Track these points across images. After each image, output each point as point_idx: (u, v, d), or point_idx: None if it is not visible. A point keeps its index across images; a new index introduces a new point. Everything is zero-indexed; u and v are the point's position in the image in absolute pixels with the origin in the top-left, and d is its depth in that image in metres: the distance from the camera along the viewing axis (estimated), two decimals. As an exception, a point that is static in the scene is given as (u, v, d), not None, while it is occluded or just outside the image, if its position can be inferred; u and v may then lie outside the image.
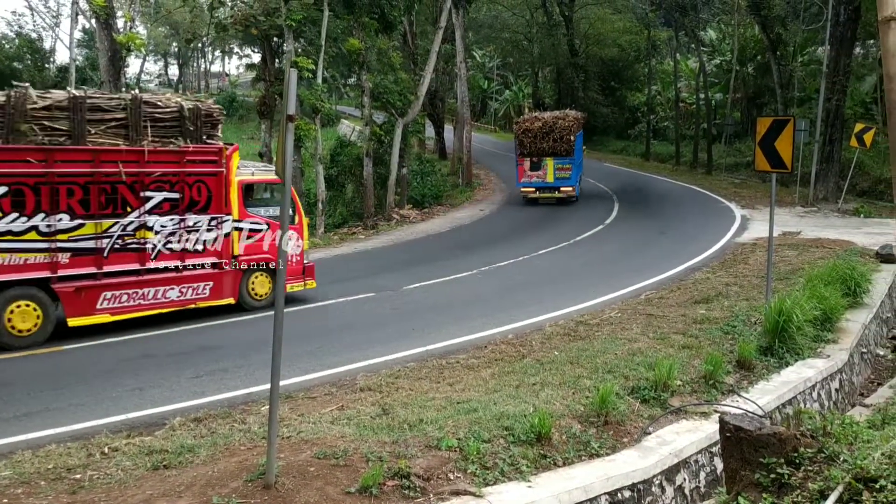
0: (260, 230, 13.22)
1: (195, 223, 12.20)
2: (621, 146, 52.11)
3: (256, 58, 32.31)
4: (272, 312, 5.64)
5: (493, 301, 14.07)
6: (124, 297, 11.60)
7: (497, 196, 33.12)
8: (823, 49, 30.73)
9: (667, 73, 53.29)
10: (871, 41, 37.53)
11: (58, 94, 11.06)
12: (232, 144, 13.00)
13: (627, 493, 6.66)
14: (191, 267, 12.31)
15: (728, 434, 5.10)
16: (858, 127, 25.50)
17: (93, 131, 11.11)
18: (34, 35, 26.95)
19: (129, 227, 11.51)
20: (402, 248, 21.36)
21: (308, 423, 7.35)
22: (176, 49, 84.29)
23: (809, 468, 4.80)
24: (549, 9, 51.81)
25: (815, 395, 9.73)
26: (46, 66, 25.97)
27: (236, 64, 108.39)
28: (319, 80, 22.78)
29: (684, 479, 7.35)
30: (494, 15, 54.68)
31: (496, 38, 56.33)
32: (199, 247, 12.31)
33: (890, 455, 4.60)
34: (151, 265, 11.84)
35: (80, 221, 11.06)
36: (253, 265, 13.12)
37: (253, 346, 10.86)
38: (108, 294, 11.46)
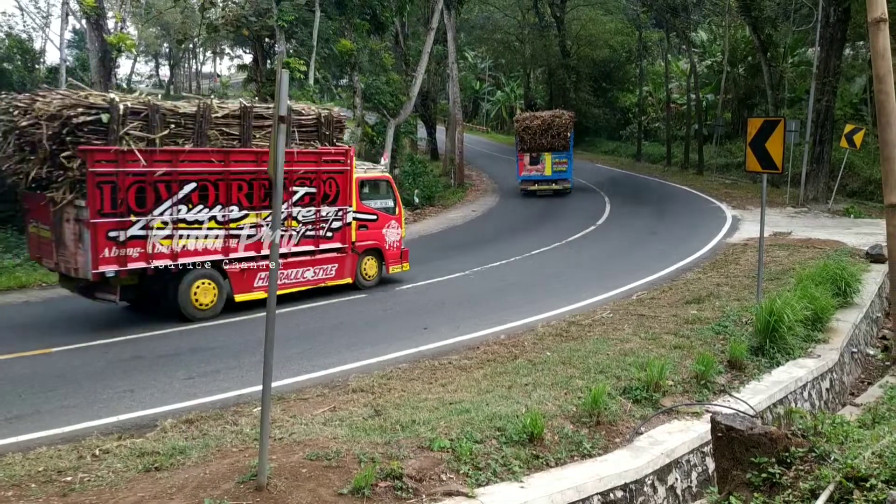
0: (371, 220, 15.27)
1: (327, 214, 14.01)
2: (613, 147, 52.25)
3: (248, 59, 32.25)
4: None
5: (485, 302, 14.08)
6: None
7: (489, 197, 33.17)
8: (813, 50, 30.87)
9: (658, 74, 53.44)
10: (861, 42, 37.69)
11: (232, 105, 12.72)
12: (349, 146, 14.90)
13: (620, 493, 6.67)
14: (322, 251, 14.13)
15: (719, 434, 5.12)
16: (848, 128, 25.64)
17: (256, 136, 12.74)
18: (24, 36, 26.79)
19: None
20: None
21: (300, 425, 7.33)
22: (167, 50, 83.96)
23: (800, 467, 4.82)
24: (540, 10, 51.95)
25: (805, 394, 9.78)
26: (37, 66, 25.80)
27: (228, 65, 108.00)
28: (311, 81, 22.74)
29: (676, 479, 7.38)
30: (486, 16, 54.78)
31: (488, 39, 56.46)
32: (329, 234, 14.17)
33: (880, 454, 4.63)
34: (295, 249, 13.58)
35: (245, 212, 12.71)
36: (365, 250, 15.12)
37: (245, 347, 10.83)
38: (263, 274, 13.05)
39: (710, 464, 7.54)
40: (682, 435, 7.61)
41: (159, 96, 13.26)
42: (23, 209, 13.22)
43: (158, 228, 11.73)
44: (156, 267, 11.84)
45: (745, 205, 27.91)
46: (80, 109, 10.86)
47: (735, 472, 5.02)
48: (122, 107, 11.09)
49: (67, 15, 19.77)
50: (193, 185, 11.98)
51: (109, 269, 11.32)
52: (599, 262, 18.18)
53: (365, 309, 13.82)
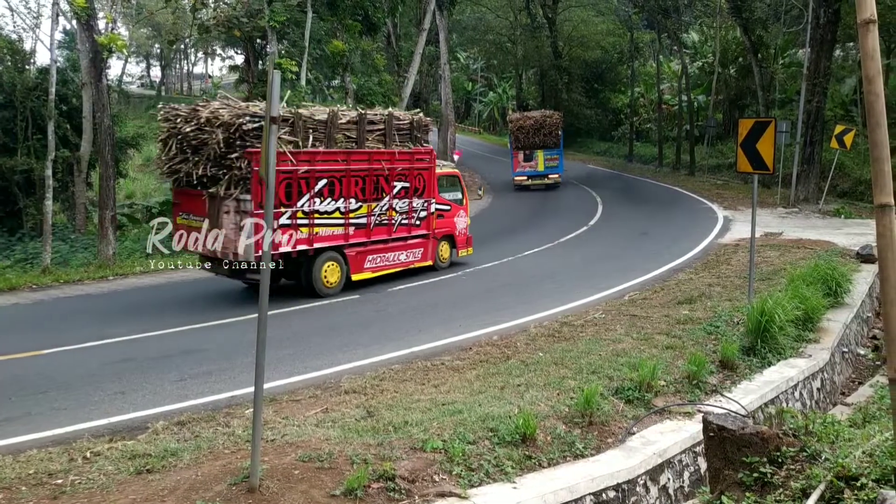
0: (446, 210, 17.37)
1: (416, 205, 16.08)
2: (605, 147, 52.39)
3: (239, 59, 32.16)
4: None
5: (477, 302, 14.08)
6: (378, 259, 15.58)
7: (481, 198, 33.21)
8: (804, 51, 31.02)
9: (649, 76, 53.64)
10: (851, 44, 37.90)
11: (350, 113, 14.64)
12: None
13: (612, 494, 6.68)
14: (413, 237, 16.25)
15: (711, 434, 5.14)
16: (839, 129, 25.76)
17: (369, 139, 14.72)
18: (14, 36, 26.64)
19: (384, 208, 15.34)
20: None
21: (292, 426, 7.31)
22: (158, 51, 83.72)
23: (792, 467, 4.84)
24: (532, 11, 52.07)
25: (797, 394, 9.82)
26: (27, 67, 25.66)
27: (219, 65, 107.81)
28: (303, 82, 22.71)
29: (668, 479, 7.39)
30: (478, 17, 54.87)
31: (480, 40, 56.53)
32: (417, 222, 16.20)
33: (871, 453, 4.65)
34: (393, 235, 15.69)
35: (359, 204, 14.73)
36: (442, 236, 17.23)
37: (237, 348, 10.79)
38: (371, 257, 15.35)
39: (702, 463, 7.57)
40: (674, 435, 7.63)
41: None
42: (173, 203, 14.79)
43: (300, 218, 13.72)
44: (298, 251, 13.86)
45: (736, 205, 28.01)
46: (247, 118, 12.52)
47: (727, 471, 5.03)
48: (280, 116, 12.50)
49: (58, 15, 19.66)
50: (325, 181, 13.95)
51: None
52: (592, 263, 18.21)
53: (357, 310, 13.81)
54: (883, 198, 3.55)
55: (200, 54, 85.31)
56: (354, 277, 14.98)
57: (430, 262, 16.86)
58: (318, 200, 13.88)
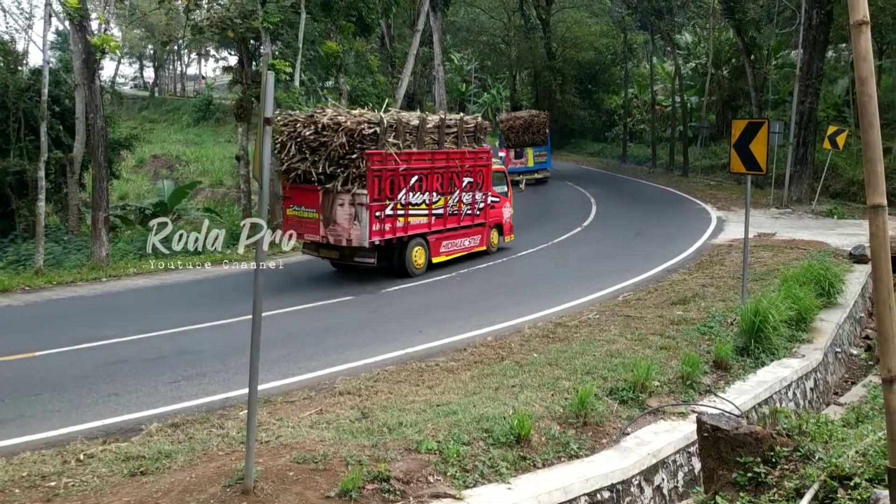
0: (496, 201, 19.49)
1: (478, 197, 18.19)
2: (598, 148, 52.46)
3: (233, 60, 32.05)
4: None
5: (471, 303, 14.09)
6: (450, 245, 17.74)
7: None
8: (796, 52, 31.12)
9: (643, 77, 53.70)
10: (844, 45, 38.06)
11: (433, 118, 16.94)
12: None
13: (607, 494, 6.69)
14: (475, 226, 18.38)
15: (705, 434, 5.15)
16: (831, 129, 25.85)
17: (447, 140, 16.92)
18: (7, 37, 26.50)
19: (455, 200, 17.45)
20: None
21: (287, 428, 7.30)
22: (151, 51, 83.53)
23: (785, 467, 4.85)
24: (526, 12, 52.12)
25: (790, 394, 9.85)
26: (20, 68, 25.55)
27: (213, 66, 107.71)
28: (297, 83, 22.66)
29: (662, 480, 7.41)
30: (472, 18, 54.86)
31: (474, 41, 56.50)
32: (478, 213, 18.31)
33: (864, 453, 4.67)
34: (461, 224, 17.81)
35: (438, 197, 16.89)
36: (493, 224, 19.29)
37: (231, 350, 10.75)
38: (445, 242, 17.51)
39: (697, 464, 7.58)
40: (668, 435, 7.64)
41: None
42: (283, 198, 16.78)
43: (399, 209, 15.81)
44: (397, 237, 16.02)
45: (729, 206, 28.07)
46: (366, 124, 14.77)
47: (721, 471, 5.04)
48: (385, 122, 15.02)
49: (51, 16, 19.57)
50: (417, 177, 16.13)
51: (376, 239, 15.42)
52: (586, 263, 18.23)
53: (351, 311, 13.80)
54: (876, 198, 3.56)
55: (194, 55, 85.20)
56: (435, 260, 17.18)
57: (485, 248, 18.98)
58: (411, 194, 16.09)
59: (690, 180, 37.45)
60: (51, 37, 24.73)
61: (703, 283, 14.78)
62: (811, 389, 10.57)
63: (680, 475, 7.67)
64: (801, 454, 4.88)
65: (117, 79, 73.08)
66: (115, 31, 50.47)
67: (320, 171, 15.13)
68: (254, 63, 25.31)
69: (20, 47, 27.29)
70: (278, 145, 15.55)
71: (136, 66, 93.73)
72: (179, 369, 10.02)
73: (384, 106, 17.23)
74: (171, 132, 63.19)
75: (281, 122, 15.53)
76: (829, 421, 5.95)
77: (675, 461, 7.61)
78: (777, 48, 39.69)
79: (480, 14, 54.41)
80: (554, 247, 20.81)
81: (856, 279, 15.38)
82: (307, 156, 15.27)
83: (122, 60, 77.52)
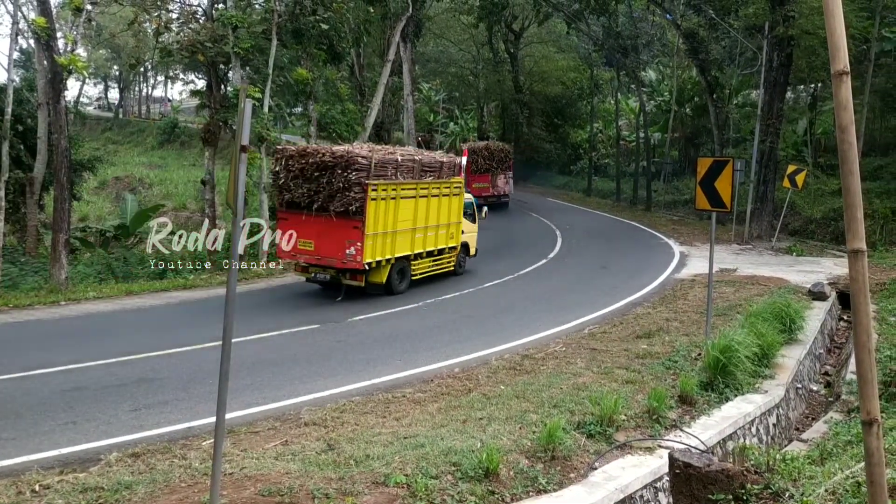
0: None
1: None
2: (564, 182, 52.98)
3: (201, 84, 31.90)
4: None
5: (438, 334, 14.04)
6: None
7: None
8: (758, 93, 31.92)
9: (608, 112, 54.60)
10: (801, 87, 39.20)
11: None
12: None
13: (575, 530, 6.65)
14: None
15: (677, 471, 5.16)
16: (791, 168, 26.48)
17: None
18: (-32, 55, 26.11)
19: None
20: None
21: (251, 459, 7.16)
22: (117, 72, 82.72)
23: (756, 504, 4.88)
24: (494, 45, 52.71)
25: (754, 429, 9.94)
26: (-18, 86, 25.12)
27: (179, 89, 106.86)
28: (266, 109, 22.59)
29: (630, 515, 7.38)
30: (441, 50, 55.32)
31: (443, 73, 56.92)
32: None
33: (833, 491, 4.71)
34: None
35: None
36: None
37: (193, 377, 10.56)
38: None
39: (663, 499, 7.59)
40: (635, 470, 7.64)
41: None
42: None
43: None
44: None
45: (692, 241, 28.51)
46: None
47: (692, 508, 5.05)
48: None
49: (17, 35, 19.30)
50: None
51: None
52: (551, 296, 18.32)
53: (317, 340, 13.65)
54: (856, 243, 3.63)
55: (160, 77, 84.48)
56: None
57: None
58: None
59: (654, 215, 37.99)
60: (14, 55, 24.33)
61: (668, 317, 14.93)
62: (773, 425, 10.67)
63: (646, 510, 7.66)
64: (771, 491, 4.92)
65: (81, 99, 72.06)
66: (81, 51, 49.85)
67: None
68: (223, 87, 25.21)
69: (-18, 65, 26.87)
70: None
71: (101, 86, 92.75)
72: (140, 397, 9.79)
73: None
74: (135, 154, 62.48)
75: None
76: (796, 458, 6.01)
77: (642, 496, 7.59)
78: (739, 88, 40.72)
79: (450, 46, 54.93)
80: (520, 278, 20.89)
81: (815, 316, 15.67)
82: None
83: (86, 81, 76.57)
